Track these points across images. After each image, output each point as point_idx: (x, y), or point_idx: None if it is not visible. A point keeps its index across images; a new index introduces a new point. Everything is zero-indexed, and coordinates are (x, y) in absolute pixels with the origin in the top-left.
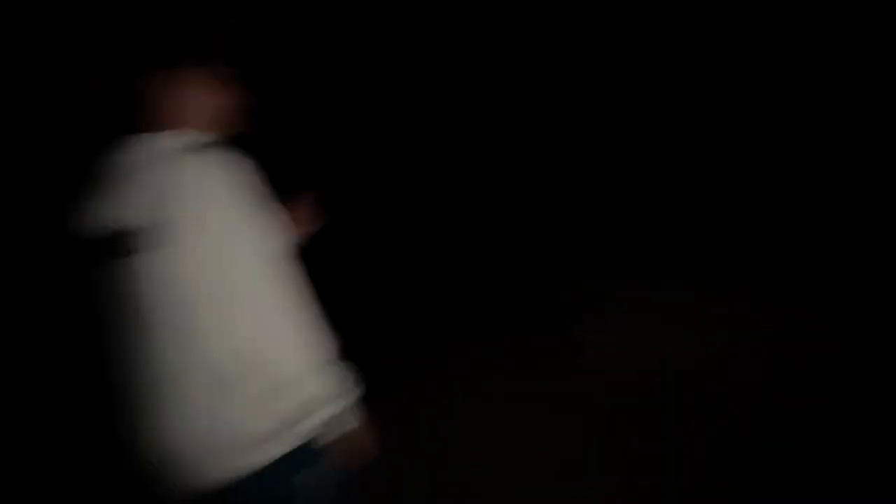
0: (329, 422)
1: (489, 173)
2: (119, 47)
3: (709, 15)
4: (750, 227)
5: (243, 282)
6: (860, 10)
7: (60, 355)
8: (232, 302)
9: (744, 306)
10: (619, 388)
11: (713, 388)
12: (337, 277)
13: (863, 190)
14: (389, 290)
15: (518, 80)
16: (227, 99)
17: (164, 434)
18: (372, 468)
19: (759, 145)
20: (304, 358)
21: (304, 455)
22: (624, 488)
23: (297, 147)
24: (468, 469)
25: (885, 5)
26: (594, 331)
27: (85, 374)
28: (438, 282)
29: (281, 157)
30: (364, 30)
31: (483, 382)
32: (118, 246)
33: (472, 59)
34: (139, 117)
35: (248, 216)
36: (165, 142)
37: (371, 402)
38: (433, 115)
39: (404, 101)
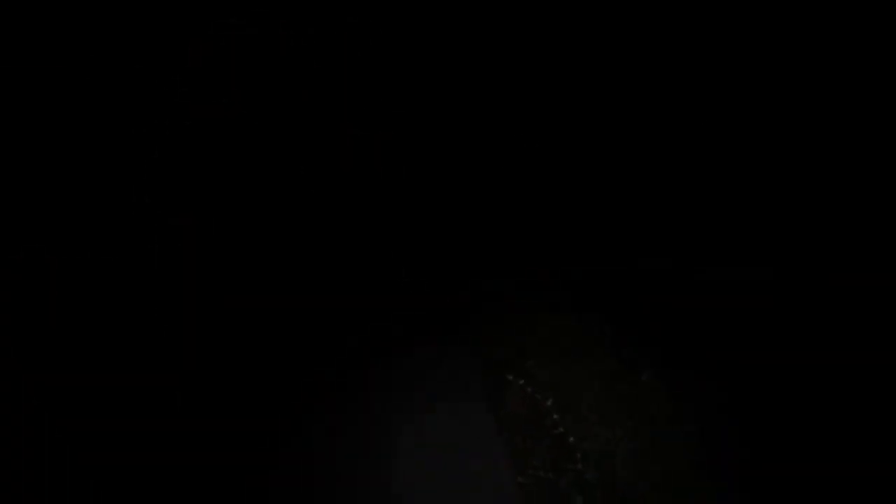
0: None
1: (488, 172)
2: (120, 47)
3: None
4: (750, 226)
5: None
6: (860, 11)
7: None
8: None
9: (743, 305)
10: None
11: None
12: (336, 277)
13: (863, 190)
14: (389, 289)
15: (518, 79)
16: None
17: None
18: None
19: (759, 145)
20: None
21: None
22: None
23: (297, 147)
24: None
25: (885, 5)
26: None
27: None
28: (439, 281)
29: (281, 157)
30: (364, 30)
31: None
32: None
33: (471, 59)
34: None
35: None
36: None
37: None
38: (433, 115)
39: (404, 101)
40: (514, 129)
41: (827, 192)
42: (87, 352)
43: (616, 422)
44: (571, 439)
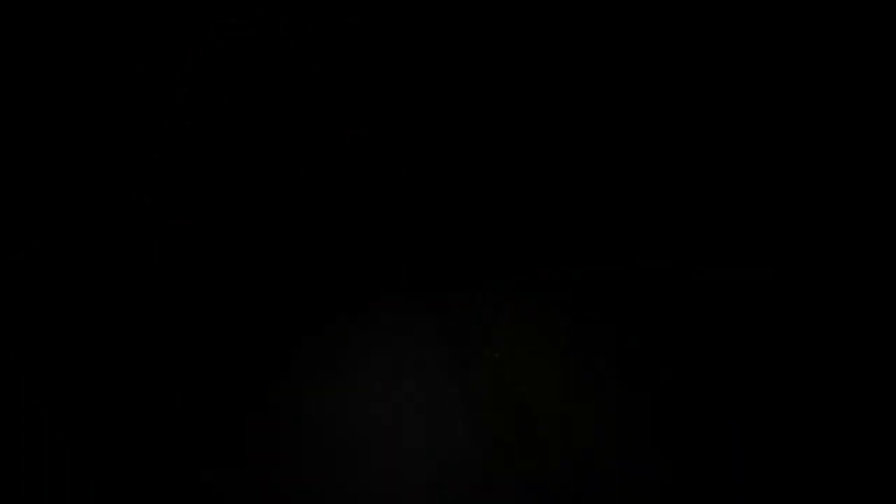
0: None
1: (489, 171)
2: (121, 46)
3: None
4: (750, 226)
5: None
6: (860, 11)
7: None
8: None
9: (743, 305)
10: None
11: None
12: (336, 277)
13: (863, 190)
14: (391, 287)
15: (518, 79)
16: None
17: None
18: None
19: (760, 144)
20: None
21: None
22: None
23: (297, 147)
24: None
25: (884, 5)
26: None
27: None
28: (437, 280)
29: (281, 157)
30: (364, 30)
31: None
32: None
33: (472, 59)
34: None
35: None
36: None
37: None
38: (433, 115)
39: (404, 101)
40: (513, 128)
41: (827, 192)
42: (87, 352)
43: (577, 405)
44: (536, 413)
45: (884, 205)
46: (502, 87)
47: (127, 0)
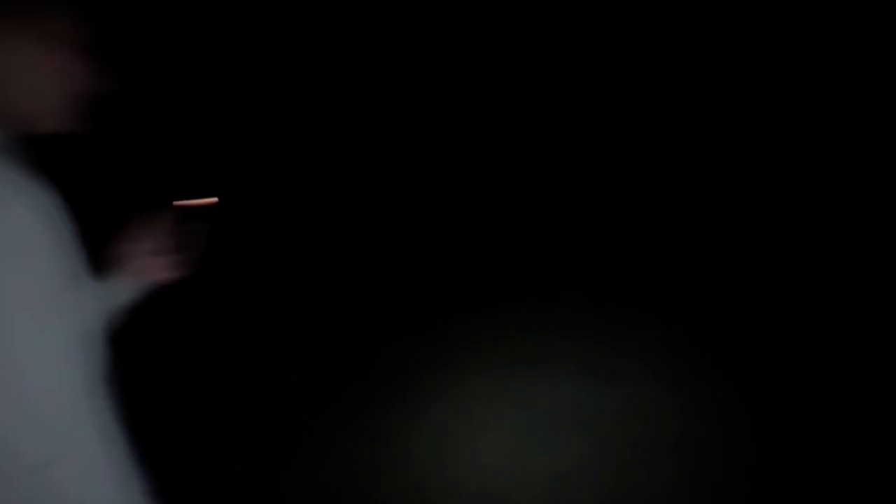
0: None
1: (489, 172)
2: (121, 46)
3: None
4: (749, 226)
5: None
6: (860, 11)
7: None
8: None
9: (743, 305)
10: None
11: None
12: (334, 277)
13: (863, 190)
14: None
15: (516, 80)
16: (72, 76)
17: None
18: None
19: (759, 146)
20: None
21: None
22: None
23: (296, 147)
24: None
25: (884, 5)
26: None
27: None
28: (435, 279)
29: (279, 157)
30: (364, 30)
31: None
32: None
33: (472, 59)
34: None
35: (48, 279)
36: None
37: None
38: (432, 115)
39: (404, 101)
40: (514, 129)
41: (827, 192)
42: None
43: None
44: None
45: (884, 204)
46: (502, 87)
47: (128, 0)
